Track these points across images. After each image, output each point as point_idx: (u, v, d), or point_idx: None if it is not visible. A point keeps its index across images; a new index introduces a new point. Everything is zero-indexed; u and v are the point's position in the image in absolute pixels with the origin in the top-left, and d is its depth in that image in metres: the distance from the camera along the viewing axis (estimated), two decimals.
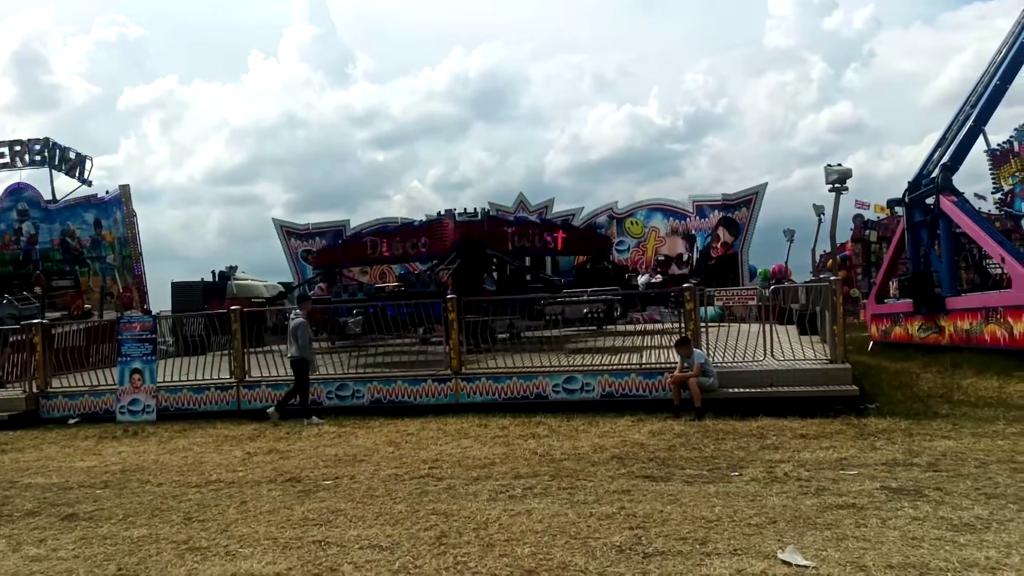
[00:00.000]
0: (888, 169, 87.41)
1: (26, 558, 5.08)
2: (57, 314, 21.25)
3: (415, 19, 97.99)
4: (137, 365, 12.05)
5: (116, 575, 4.66)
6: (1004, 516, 5.01)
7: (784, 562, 4.29)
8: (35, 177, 30.05)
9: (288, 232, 34.21)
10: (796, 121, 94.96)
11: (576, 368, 10.96)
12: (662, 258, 29.19)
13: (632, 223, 31.34)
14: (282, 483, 7.07)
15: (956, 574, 4.02)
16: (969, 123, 16.00)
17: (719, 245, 29.66)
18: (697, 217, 30.42)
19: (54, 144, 29.62)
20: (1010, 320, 13.12)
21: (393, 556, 4.74)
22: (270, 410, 10.97)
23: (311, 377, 11.16)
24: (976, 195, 29.25)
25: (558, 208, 32.48)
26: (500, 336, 13.42)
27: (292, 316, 11.41)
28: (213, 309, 16.00)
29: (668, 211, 31.30)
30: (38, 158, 29.49)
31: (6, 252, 28.82)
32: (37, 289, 23.56)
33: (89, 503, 6.63)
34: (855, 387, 9.89)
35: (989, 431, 8.10)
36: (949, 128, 16.62)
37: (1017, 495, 5.52)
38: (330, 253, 25.33)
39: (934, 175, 16.18)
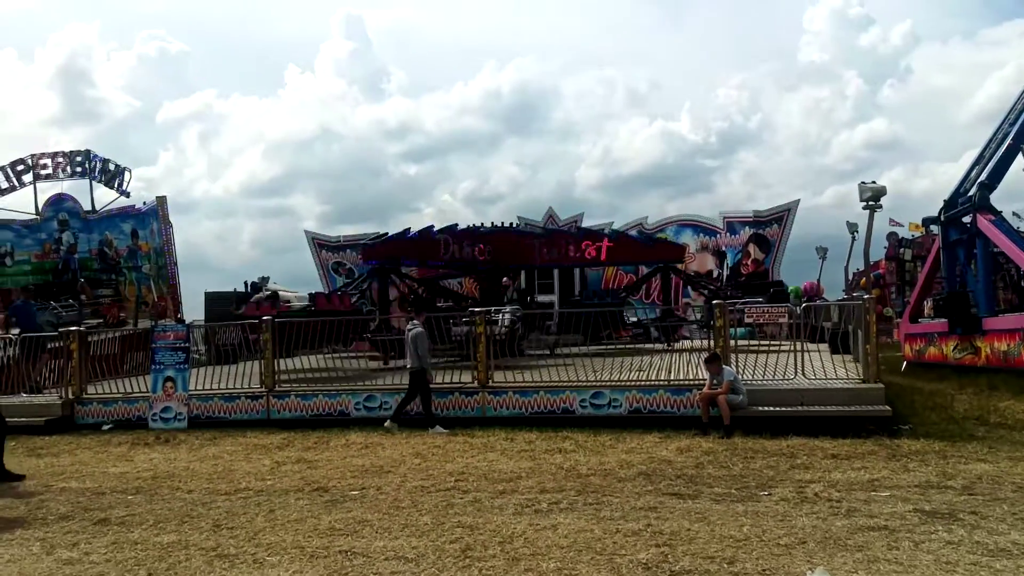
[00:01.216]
0: (924, 187, 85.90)
1: (59, 561, 5.18)
2: (95, 322, 21.66)
3: (449, 34, 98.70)
4: (170, 373, 12.24)
5: None
6: None
7: None
8: (75, 188, 30.77)
9: (319, 244, 34.65)
10: (830, 138, 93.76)
11: (604, 383, 10.91)
12: (692, 274, 29.02)
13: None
14: (309, 492, 7.13)
15: None
16: (1008, 141, 15.76)
17: (749, 262, 29.45)
18: (727, 233, 30.24)
19: (94, 156, 30.31)
20: None
21: (418, 568, 4.75)
22: (387, 423, 10.76)
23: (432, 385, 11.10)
24: (1014, 214, 28.60)
25: (588, 222, 32.47)
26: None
27: (410, 326, 11.23)
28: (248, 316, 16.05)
29: (698, 227, 31.17)
30: (79, 169, 30.17)
31: (46, 261, 29.48)
32: (83, 297, 24.04)
33: (121, 508, 6.74)
34: (888, 407, 9.72)
35: None
36: (987, 146, 16.38)
37: None
38: (391, 247, 20.12)
39: (971, 193, 15.94)
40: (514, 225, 25.91)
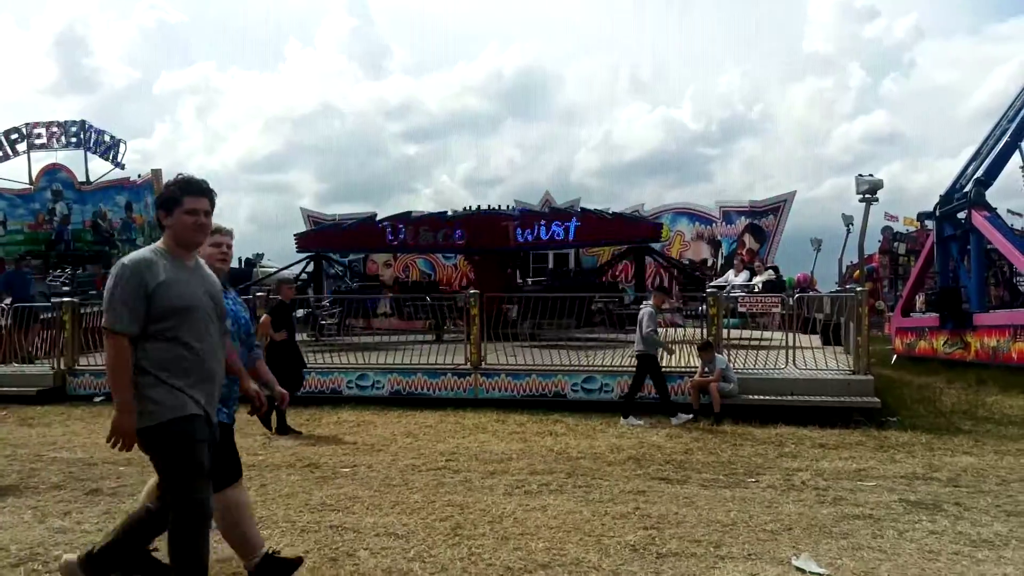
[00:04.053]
0: (922, 182, 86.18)
1: (51, 529, 5.20)
2: (86, 295, 21.61)
3: (451, 14, 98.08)
4: None
5: None
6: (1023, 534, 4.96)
7: (798, 569, 4.28)
8: (70, 159, 30.52)
9: (315, 221, 34.44)
10: (831, 129, 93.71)
11: (595, 368, 10.97)
12: (686, 262, 29.08)
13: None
14: (301, 468, 7.16)
15: None
16: (1006, 138, 15.79)
17: (744, 252, 29.47)
18: (723, 223, 30.24)
19: (89, 126, 30.09)
20: None
21: (408, 544, 4.79)
22: (621, 422, 9.54)
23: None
24: (1009, 211, 28.72)
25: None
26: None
27: (642, 306, 10.35)
28: None
29: (694, 215, 31.15)
30: (74, 140, 29.94)
31: (40, 231, 29.31)
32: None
33: (112, 479, 6.76)
34: (877, 399, 9.81)
35: (1012, 449, 8.00)
36: (985, 142, 16.41)
37: None
38: (328, 237, 22.74)
39: (967, 189, 15.99)
40: (511, 208, 25.80)
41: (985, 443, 8.33)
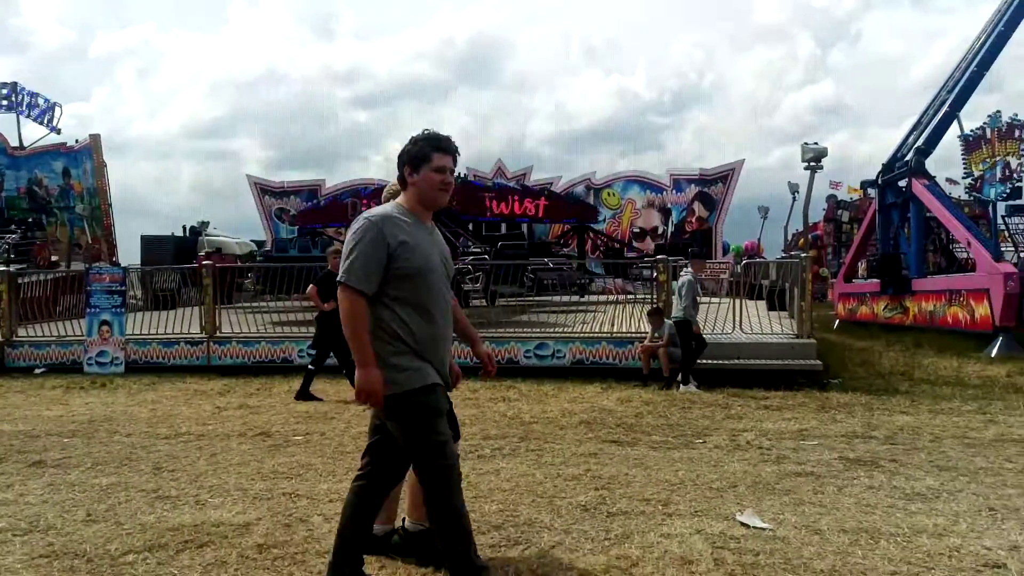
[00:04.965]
0: (867, 151, 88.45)
1: None
2: (23, 265, 20.86)
3: None
4: (106, 317, 11.93)
5: (85, 520, 4.67)
6: (954, 487, 5.21)
7: (743, 524, 4.43)
8: (2, 123, 29.36)
9: (262, 189, 33.74)
10: (780, 99, 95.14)
11: (548, 335, 11.06)
12: (637, 230, 29.41)
13: (609, 194, 31.42)
14: (252, 437, 7.10)
15: (906, 539, 4.18)
16: (945, 108, 16.24)
17: (694, 219, 29.88)
18: (673, 191, 30.56)
19: (21, 89, 28.83)
20: (972, 303, 13.47)
21: None
22: (681, 388, 9.54)
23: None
24: (948, 180, 29.65)
25: (536, 176, 32.39)
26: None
27: (682, 273, 10.34)
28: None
29: (645, 183, 31.41)
30: (5, 103, 28.69)
31: None
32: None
33: (57, 451, 6.61)
34: (819, 362, 10.12)
35: (945, 408, 8.36)
36: (925, 112, 16.85)
37: (967, 468, 5.73)
38: (311, 215, 26.14)
39: (908, 158, 16.44)
40: (464, 177, 25.75)
41: (921, 403, 8.68)
